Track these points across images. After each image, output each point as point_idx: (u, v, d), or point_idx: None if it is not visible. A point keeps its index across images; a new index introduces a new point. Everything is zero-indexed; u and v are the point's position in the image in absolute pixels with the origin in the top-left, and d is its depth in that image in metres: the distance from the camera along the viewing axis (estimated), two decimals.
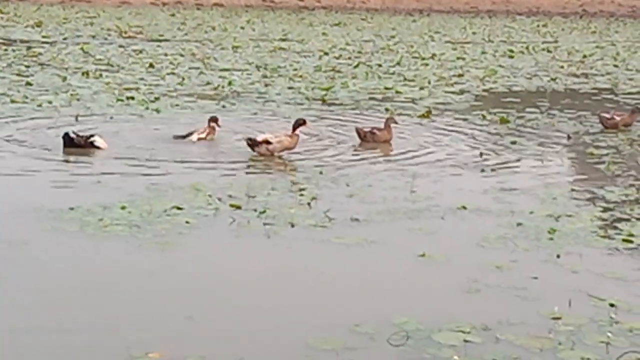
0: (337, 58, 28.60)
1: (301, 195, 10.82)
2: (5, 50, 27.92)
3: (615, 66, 28.85)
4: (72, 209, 9.86)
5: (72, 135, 13.30)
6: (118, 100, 18.25)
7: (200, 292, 7.68)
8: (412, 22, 50.42)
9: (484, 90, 22.02)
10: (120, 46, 30.36)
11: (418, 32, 42.32)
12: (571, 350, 6.63)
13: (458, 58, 29.66)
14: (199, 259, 8.55)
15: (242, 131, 15.13)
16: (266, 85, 21.44)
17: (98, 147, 13.27)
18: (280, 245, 9.02)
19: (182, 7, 57.86)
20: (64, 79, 21.20)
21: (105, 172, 11.96)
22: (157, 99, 18.62)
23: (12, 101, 17.59)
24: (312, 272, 8.29)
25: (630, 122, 16.59)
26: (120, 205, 10.02)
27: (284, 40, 35.16)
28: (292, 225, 9.58)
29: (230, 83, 21.38)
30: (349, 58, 28.67)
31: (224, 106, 17.83)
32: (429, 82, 22.98)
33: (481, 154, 13.82)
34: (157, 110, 17.15)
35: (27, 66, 23.68)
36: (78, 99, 18.18)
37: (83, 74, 22.25)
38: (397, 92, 20.90)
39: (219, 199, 10.48)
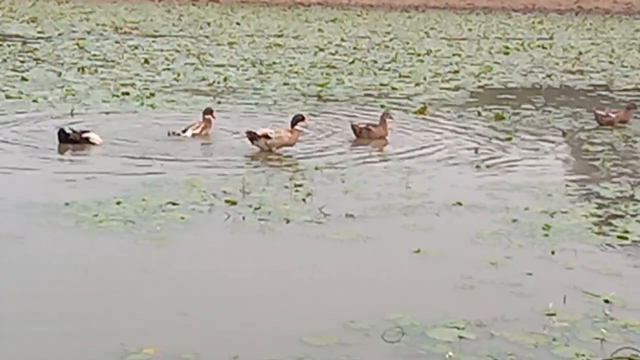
0: (333, 54, 28.59)
1: (296, 191, 10.82)
2: (1, 45, 27.89)
3: (611, 63, 28.86)
4: (67, 204, 9.86)
5: (67, 130, 13.30)
6: (113, 95, 18.25)
7: (195, 287, 7.68)
8: (408, 18, 50.42)
9: (480, 87, 22.03)
10: (116, 42, 30.34)
11: (414, 28, 42.31)
12: (566, 346, 6.64)
13: (453, 54, 29.66)
14: (194, 254, 8.55)
15: (238, 127, 15.12)
16: (262, 81, 21.43)
17: (93, 143, 13.27)
18: (275, 241, 9.02)
19: (178, 3, 57.82)
20: (59, 74, 21.19)
21: (100, 167, 11.95)
22: (152, 94, 18.61)
23: (7, 96, 17.58)
24: (307, 268, 8.29)
25: (626, 119, 16.58)
26: (115, 200, 10.02)
27: (279, 36, 35.14)
28: (287, 221, 9.58)
29: (225, 79, 21.37)
30: (345, 54, 28.66)
31: (219, 102, 17.82)
32: (425, 79, 22.98)
33: (476, 150, 13.83)
34: (153, 106, 17.14)
35: (23, 61, 23.66)
36: (73, 95, 18.17)
37: (78, 69, 22.24)
38: (392, 88, 20.91)
39: (214, 195, 10.48)
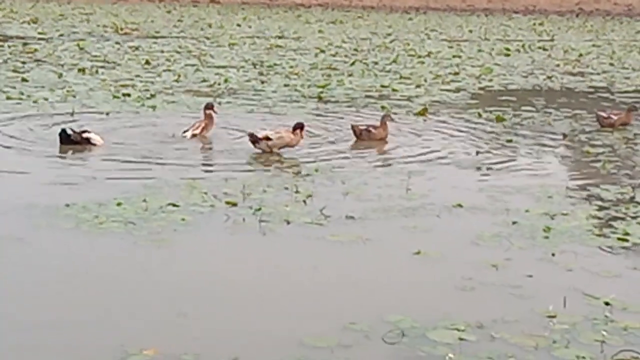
0: (334, 56, 28.60)
1: (297, 192, 10.82)
2: (1, 46, 27.90)
3: (611, 65, 28.86)
4: (67, 205, 9.86)
5: (68, 131, 13.30)
6: (114, 97, 18.26)
7: (195, 289, 7.67)
8: (409, 20, 50.43)
9: (480, 89, 22.03)
10: (117, 43, 30.34)
11: (414, 30, 42.32)
12: (566, 348, 6.64)
13: (454, 56, 29.66)
14: (194, 256, 8.55)
15: (238, 128, 15.14)
16: (262, 82, 21.43)
17: (94, 144, 13.27)
18: (276, 242, 9.02)
19: (179, 3, 57.85)
20: (60, 75, 21.20)
21: (100, 168, 11.96)
22: (153, 95, 18.62)
23: (8, 97, 17.59)
24: (307, 269, 8.29)
25: (628, 121, 16.56)
26: (115, 202, 10.02)
27: (280, 37, 35.15)
28: (288, 223, 9.58)
29: (226, 80, 21.38)
30: (345, 56, 28.67)
31: (220, 103, 17.82)
32: (425, 80, 22.98)
33: (477, 152, 13.83)
34: (153, 107, 17.15)
35: (23, 62, 23.67)
36: (74, 96, 18.18)
37: (79, 70, 22.25)
38: (393, 90, 20.91)
39: (215, 196, 10.48)
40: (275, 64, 25.23)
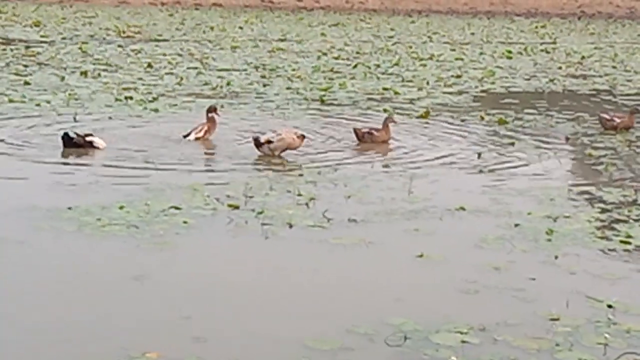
0: (336, 58, 28.60)
1: (299, 195, 10.82)
2: (4, 49, 27.92)
3: (614, 67, 28.86)
4: (70, 208, 9.87)
5: (71, 134, 13.30)
6: (116, 100, 18.26)
7: (197, 292, 7.67)
8: (411, 22, 50.44)
9: (482, 91, 22.02)
10: (119, 46, 30.36)
11: (416, 32, 42.33)
12: (569, 351, 6.64)
13: (456, 59, 29.66)
14: (196, 259, 8.55)
15: (240, 131, 15.15)
16: (265, 85, 21.44)
17: (97, 147, 13.28)
18: (278, 245, 9.02)
19: (181, 7, 57.89)
20: (62, 78, 21.21)
21: (103, 172, 11.96)
22: (155, 98, 18.62)
23: (10, 100, 17.59)
24: (310, 272, 8.29)
25: (630, 124, 16.54)
26: (118, 205, 10.02)
27: (282, 40, 35.17)
28: (290, 226, 9.58)
29: (228, 83, 21.39)
30: (348, 58, 28.68)
31: (222, 106, 17.82)
32: (428, 83, 22.98)
33: (479, 155, 13.83)
34: (156, 110, 17.15)
35: (26, 66, 23.68)
36: (76, 99, 18.19)
37: (81, 73, 22.26)
38: (395, 92, 20.91)
39: (217, 199, 10.48)
40: (277, 67, 25.24)
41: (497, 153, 14.14)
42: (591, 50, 34.79)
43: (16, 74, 21.78)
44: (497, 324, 7.03)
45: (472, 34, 42.78)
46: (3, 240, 8.81)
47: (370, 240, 9.17)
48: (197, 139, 14.30)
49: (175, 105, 17.96)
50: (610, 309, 7.43)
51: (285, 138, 13.11)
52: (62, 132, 13.51)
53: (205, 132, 14.41)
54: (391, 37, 38.91)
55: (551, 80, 24.57)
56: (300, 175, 12.10)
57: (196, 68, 24.49)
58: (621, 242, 9.41)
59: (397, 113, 17.29)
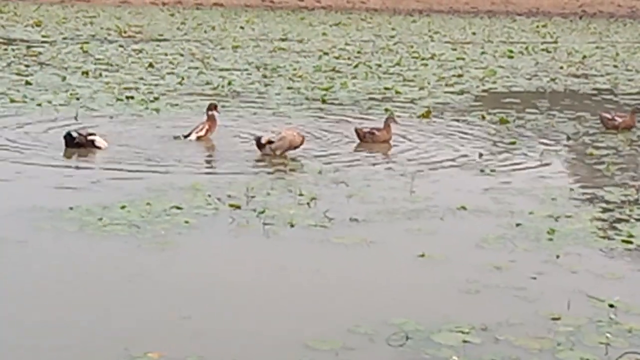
0: (337, 58, 28.60)
1: (300, 195, 10.82)
2: (5, 49, 27.93)
3: (615, 67, 28.85)
4: (71, 208, 9.87)
5: (73, 134, 13.30)
6: (118, 99, 18.26)
7: (199, 292, 7.68)
8: (412, 22, 50.43)
9: (484, 91, 22.02)
10: (120, 46, 30.36)
11: (418, 32, 42.32)
12: (570, 350, 6.64)
13: (458, 58, 29.65)
14: (198, 258, 8.55)
15: (242, 131, 15.15)
16: (266, 85, 21.44)
17: (98, 147, 13.28)
18: (280, 245, 9.02)
19: (182, 6, 57.88)
20: (64, 78, 21.20)
21: (104, 171, 11.97)
22: (156, 98, 18.62)
23: (12, 100, 17.59)
24: (311, 272, 8.29)
25: (632, 123, 16.52)
26: (119, 205, 10.02)
27: (283, 40, 35.16)
28: (292, 226, 9.58)
29: (229, 83, 21.39)
30: (349, 58, 28.67)
31: (223, 106, 17.82)
32: (429, 83, 22.98)
33: (480, 155, 13.82)
34: (157, 110, 17.15)
35: (27, 65, 23.68)
36: (78, 99, 18.19)
37: (83, 73, 22.25)
38: (396, 92, 20.90)
39: (219, 199, 10.48)
40: (278, 67, 25.24)
41: (498, 153, 14.14)
42: (592, 50, 34.78)
43: (17, 74, 21.79)
44: (499, 323, 7.03)
45: (474, 33, 42.78)
46: (4, 240, 8.81)
47: (372, 239, 9.17)
48: (198, 138, 14.30)
49: (177, 105, 17.96)
50: (612, 309, 7.43)
51: (285, 136, 13.11)
52: (63, 132, 13.51)
53: (207, 131, 14.41)
54: (392, 36, 38.90)
55: (552, 80, 24.56)
56: (302, 174, 12.10)
57: (197, 68, 24.49)
58: (623, 241, 9.41)
59: (399, 113, 17.28)
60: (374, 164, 13.03)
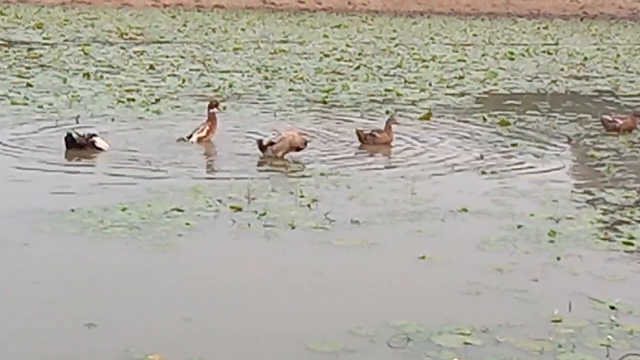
0: (338, 60, 28.60)
1: (302, 197, 10.82)
2: (6, 52, 27.94)
3: (616, 69, 28.85)
4: (72, 210, 9.87)
5: (75, 136, 13.30)
6: (119, 102, 18.26)
7: (200, 294, 7.68)
8: (413, 24, 50.44)
9: (485, 93, 22.02)
10: (121, 48, 30.37)
11: (419, 34, 42.33)
12: (572, 353, 6.63)
13: (459, 60, 29.66)
14: (199, 261, 8.55)
15: (243, 133, 15.16)
16: (267, 87, 21.45)
17: (100, 149, 13.28)
18: (281, 247, 9.02)
19: (183, 9, 57.90)
20: (65, 80, 21.21)
21: (106, 174, 11.97)
22: (157, 100, 18.63)
23: (13, 103, 17.60)
24: (312, 274, 8.29)
25: (633, 126, 16.50)
26: (120, 207, 10.02)
27: (285, 42, 35.17)
28: (293, 228, 9.58)
29: (231, 85, 21.39)
30: (350, 60, 28.67)
31: (224, 108, 17.82)
32: (430, 85, 22.98)
33: (482, 157, 13.82)
34: (158, 112, 17.16)
35: (28, 68, 23.69)
36: (79, 101, 18.19)
37: (84, 75, 22.26)
38: (397, 94, 20.90)
39: (220, 201, 10.48)
40: (279, 69, 25.24)
41: (499, 155, 14.14)
42: (594, 52, 34.78)
43: (19, 76, 21.79)
44: (500, 325, 7.03)
45: (475, 35, 42.78)
46: (6, 242, 8.81)
47: (373, 242, 9.17)
48: (199, 139, 14.29)
49: (178, 107, 17.97)
50: (613, 311, 7.43)
51: (285, 137, 13.10)
52: (64, 134, 13.51)
53: (208, 132, 14.39)
54: (393, 38, 38.91)
55: (554, 82, 24.56)
56: (303, 177, 12.10)
57: (199, 70, 24.50)
58: (624, 243, 9.41)
59: (400, 115, 17.28)
60: (375, 166, 13.02)
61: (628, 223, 10.22)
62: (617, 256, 9.05)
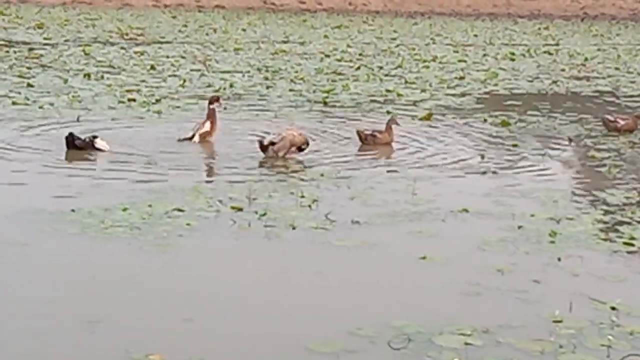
0: (339, 60, 28.60)
1: (302, 197, 10.82)
2: (7, 52, 27.94)
3: (617, 69, 28.85)
4: (73, 211, 9.86)
5: (75, 136, 13.30)
6: (119, 102, 18.26)
7: (200, 294, 7.67)
8: (414, 24, 50.43)
9: (486, 93, 22.02)
10: (122, 48, 30.37)
11: (419, 34, 42.33)
12: (572, 353, 6.63)
13: (459, 60, 29.65)
14: (199, 261, 8.55)
15: (244, 133, 15.15)
16: (267, 87, 21.44)
17: (100, 149, 13.28)
18: (281, 247, 9.02)
19: (184, 9, 57.90)
20: (66, 80, 21.21)
21: (106, 174, 11.97)
22: (158, 100, 18.62)
23: (14, 103, 17.60)
24: (312, 274, 8.29)
25: (634, 126, 16.49)
26: (121, 207, 10.02)
27: (285, 42, 35.17)
28: (293, 228, 9.57)
29: (231, 85, 21.39)
30: (350, 60, 28.67)
31: (225, 108, 17.81)
32: (430, 85, 22.98)
33: (482, 157, 13.82)
34: (159, 112, 17.15)
35: (29, 68, 23.68)
36: (79, 101, 18.19)
37: (84, 75, 22.25)
38: (398, 94, 20.90)
39: (220, 201, 10.48)
40: (280, 69, 25.24)
41: (500, 155, 14.14)
42: (594, 52, 34.78)
43: (19, 76, 21.79)
44: (500, 326, 7.02)
45: (475, 35, 42.77)
46: (6, 243, 8.81)
47: (373, 242, 9.17)
48: (201, 135, 14.26)
49: (179, 107, 17.97)
50: (614, 311, 7.43)
51: (285, 136, 13.10)
52: (65, 134, 13.50)
53: (210, 127, 14.33)
54: (394, 39, 38.90)
55: (554, 82, 24.56)
56: (303, 177, 12.10)
57: (199, 70, 24.50)
58: (624, 243, 9.40)
59: (400, 115, 17.28)
60: (375, 167, 13.02)
61: (629, 223, 10.22)
62: (617, 256, 9.05)
